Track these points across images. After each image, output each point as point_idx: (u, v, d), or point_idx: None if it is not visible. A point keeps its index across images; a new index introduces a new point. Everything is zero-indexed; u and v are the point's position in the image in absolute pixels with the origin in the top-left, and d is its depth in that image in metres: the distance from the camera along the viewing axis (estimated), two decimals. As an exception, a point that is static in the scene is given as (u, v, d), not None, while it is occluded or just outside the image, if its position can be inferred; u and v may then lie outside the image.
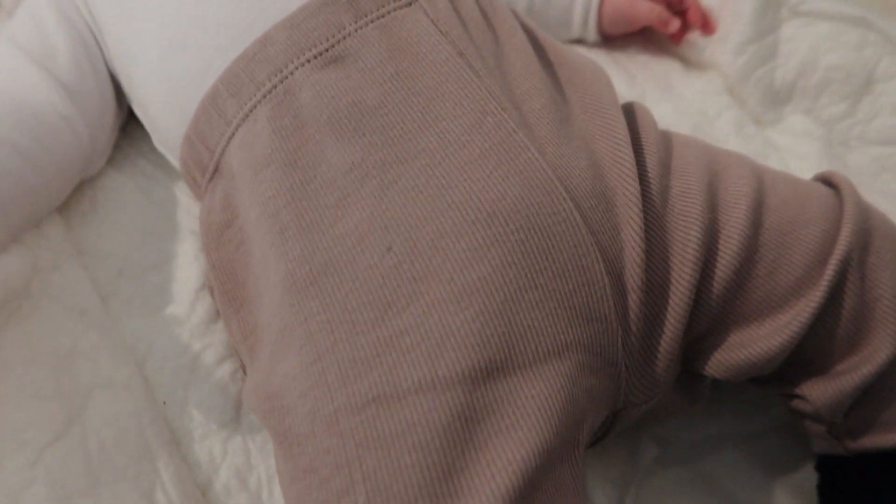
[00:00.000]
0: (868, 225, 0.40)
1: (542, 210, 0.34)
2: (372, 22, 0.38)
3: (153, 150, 0.50)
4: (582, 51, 0.62)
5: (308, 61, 0.38)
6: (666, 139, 0.42)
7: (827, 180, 0.43)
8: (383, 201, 0.35)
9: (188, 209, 0.49)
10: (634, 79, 0.60)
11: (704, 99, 0.58)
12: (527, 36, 0.43)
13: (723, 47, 0.58)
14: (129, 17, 0.44)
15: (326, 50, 0.38)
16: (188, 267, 0.46)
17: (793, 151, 0.56)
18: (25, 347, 0.41)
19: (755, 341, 0.38)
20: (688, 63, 0.61)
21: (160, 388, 0.43)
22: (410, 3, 0.39)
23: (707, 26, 0.58)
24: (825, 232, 0.39)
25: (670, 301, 0.37)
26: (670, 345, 0.37)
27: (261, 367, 0.36)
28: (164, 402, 0.43)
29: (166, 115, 0.44)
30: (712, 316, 0.38)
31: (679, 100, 0.58)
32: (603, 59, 0.62)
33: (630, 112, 0.43)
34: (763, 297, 0.38)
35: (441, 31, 0.39)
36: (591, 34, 0.61)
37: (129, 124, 0.51)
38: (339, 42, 0.38)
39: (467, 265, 0.33)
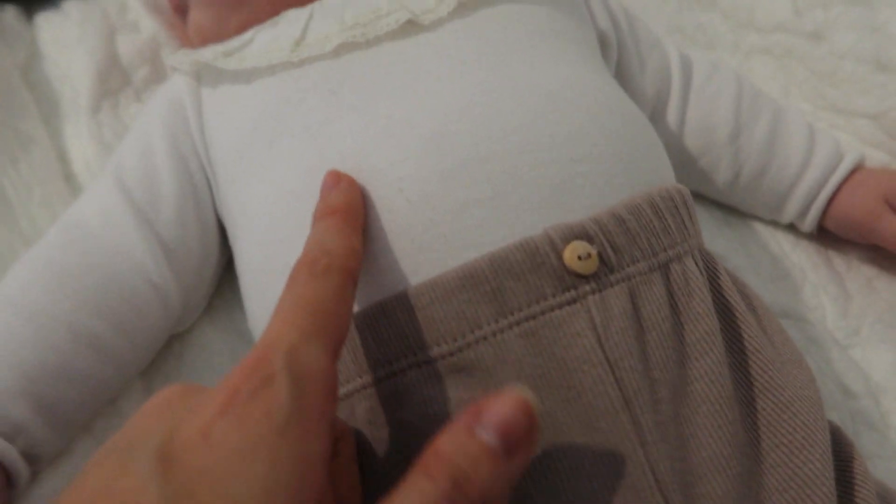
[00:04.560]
0: None
1: None
2: (517, 324, 0.29)
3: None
4: (785, 241, 0.49)
5: (424, 363, 0.29)
6: None
7: None
8: None
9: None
10: (849, 303, 0.46)
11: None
12: (728, 331, 0.31)
13: None
14: (255, 178, 0.37)
15: (451, 354, 0.29)
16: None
17: None
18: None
19: None
20: (929, 292, 0.47)
21: None
22: (574, 301, 0.29)
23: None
24: None
25: None
26: None
27: None
28: None
29: (261, 319, 0.37)
30: None
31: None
32: (812, 259, 0.49)
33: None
34: None
35: (607, 358, 0.29)
36: (807, 227, 0.48)
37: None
38: (469, 346, 0.29)
39: None
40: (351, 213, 0.30)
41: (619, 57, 0.46)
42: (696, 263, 0.33)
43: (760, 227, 0.50)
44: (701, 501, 0.28)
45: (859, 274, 0.48)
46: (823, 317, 0.46)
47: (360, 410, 0.31)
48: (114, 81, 0.51)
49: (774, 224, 0.50)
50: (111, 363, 0.38)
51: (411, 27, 0.37)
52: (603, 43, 0.45)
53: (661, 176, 0.36)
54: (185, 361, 0.43)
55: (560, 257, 0.29)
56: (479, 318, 0.29)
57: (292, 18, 0.40)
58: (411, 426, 0.29)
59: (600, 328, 0.29)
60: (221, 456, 0.20)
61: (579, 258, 0.29)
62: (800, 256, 0.49)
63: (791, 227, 0.49)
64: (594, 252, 0.30)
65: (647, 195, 0.33)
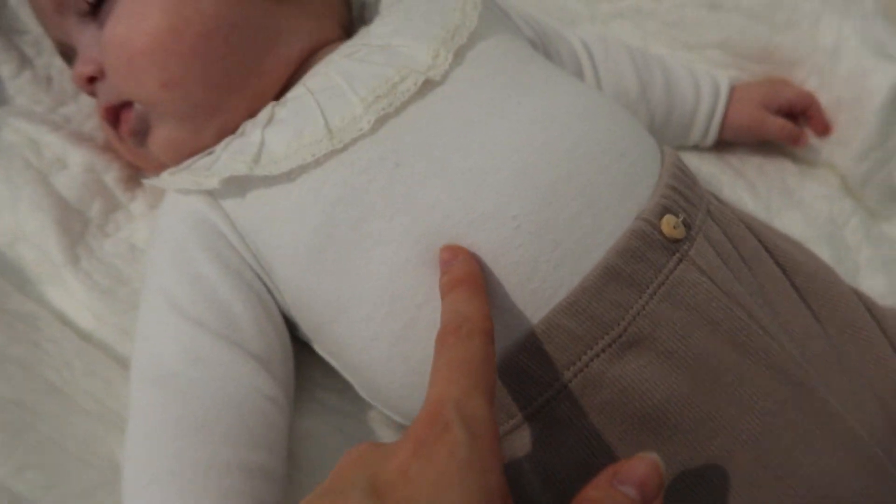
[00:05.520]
0: None
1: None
2: (655, 293, 0.36)
3: (327, 374, 0.46)
4: (692, 157, 0.62)
5: (603, 350, 0.36)
6: None
7: None
8: None
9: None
10: (755, 188, 0.60)
11: (830, 206, 0.59)
12: (769, 255, 0.42)
13: (841, 150, 0.59)
14: (352, 264, 0.39)
15: (620, 336, 0.36)
16: None
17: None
18: None
19: None
20: (798, 160, 0.62)
21: None
22: (682, 259, 0.37)
23: (826, 130, 0.59)
24: None
25: None
26: None
27: None
28: None
29: (390, 384, 0.40)
30: None
31: (804, 208, 0.59)
32: (716, 164, 0.62)
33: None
34: None
35: (721, 290, 0.37)
36: (709, 143, 0.60)
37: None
38: (630, 323, 0.36)
39: None
40: (475, 281, 0.35)
41: (544, 55, 0.54)
42: (714, 199, 0.43)
43: (671, 154, 0.62)
44: (820, 369, 0.39)
45: (751, 164, 0.62)
46: (745, 205, 0.59)
47: (519, 444, 0.37)
48: (75, 225, 0.48)
49: (680, 147, 0.62)
50: (278, 483, 0.39)
51: (427, 85, 0.41)
52: (533, 47, 0.52)
53: (644, 132, 0.45)
54: (301, 457, 0.45)
55: (662, 233, 0.37)
56: (628, 299, 0.36)
57: (294, 112, 0.42)
58: (611, 405, 0.36)
59: (708, 271, 0.37)
60: (421, 488, 0.25)
61: (674, 227, 0.37)
62: (708, 166, 0.61)
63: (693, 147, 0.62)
64: (679, 220, 0.38)
65: (671, 163, 0.42)
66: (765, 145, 0.62)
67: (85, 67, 0.45)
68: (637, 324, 0.36)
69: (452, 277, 0.35)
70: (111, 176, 0.50)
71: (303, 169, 0.40)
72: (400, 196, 0.38)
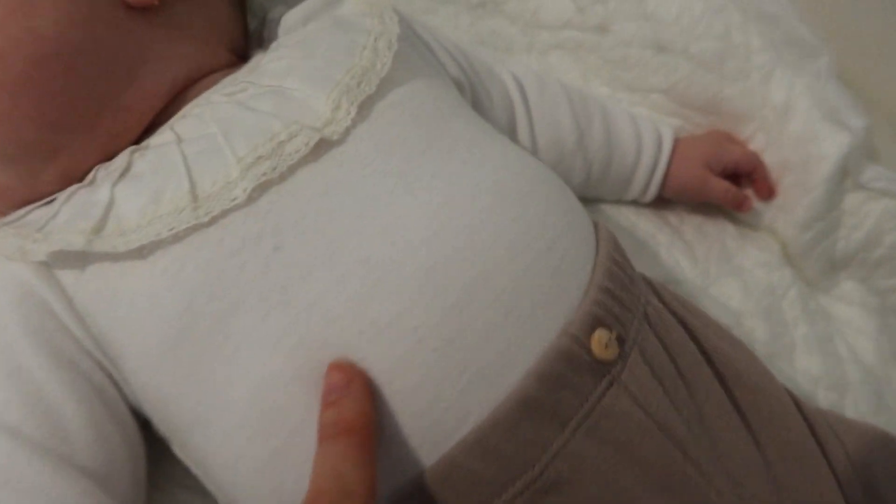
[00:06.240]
0: None
1: None
2: (579, 428, 0.30)
3: (188, 473, 0.38)
4: (630, 213, 0.56)
5: (514, 498, 0.29)
6: None
7: None
8: None
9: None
10: (694, 252, 0.55)
11: (769, 275, 0.55)
12: (708, 364, 0.36)
13: (784, 217, 0.55)
14: (214, 363, 0.32)
15: (535, 480, 0.30)
16: None
17: (851, 325, 0.55)
18: None
19: None
20: (739, 222, 0.58)
21: None
22: (612, 383, 0.32)
23: (770, 194, 0.55)
24: None
25: None
26: None
27: None
28: None
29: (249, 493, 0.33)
30: None
31: (744, 275, 0.55)
32: (654, 221, 0.57)
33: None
34: None
35: (655, 422, 0.32)
36: (647, 200, 0.55)
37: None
38: (548, 465, 0.30)
39: None
40: (368, 433, 0.28)
41: (472, 98, 0.47)
42: (655, 295, 0.37)
43: (606, 207, 0.57)
44: (751, 502, 0.34)
45: (691, 224, 0.57)
46: (683, 270, 0.55)
47: None
48: None
49: (617, 201, 0.57)
50: None
51: (321, 145, 0.33)
52: (459, 89, 0.45)
53: (581, 211, 0.39)
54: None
55: (591, 352, 0.31)
56: (547, 436, 0.30)
57: (154, 167, 0.33)
58: None
59: (640, 399, 0.32)
60: None
61: (605, 346, 0.31)
62: (645, 223, 0.56)
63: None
64: (612, 335, 0.32)
65: (607, 254, 0.35)
66: (705, 203, 0.57)
67: None
68: (556, 465, 0.30)
69: (340, 420, 0.28)
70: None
71: (157, 245, 0.32)
72: (276, 289, 0.31)
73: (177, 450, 0.36)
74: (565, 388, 0.30)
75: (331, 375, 0.29)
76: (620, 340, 0.32)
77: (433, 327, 0.30)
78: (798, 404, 0.41)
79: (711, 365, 0.37)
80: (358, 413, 0.28)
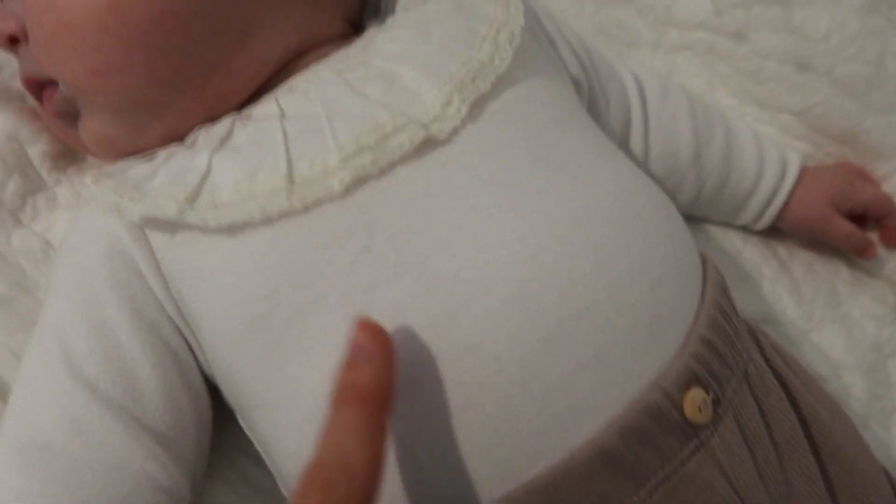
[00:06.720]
0: None
1: None
2: (656, 489, 0.28)
3: (251, 442, 0.38)
4: (736, 239, 0.52)
5: None
6: None
7: None
8: None
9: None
10: (800, 291, 0.51)
11: (879, 329, 0.50)
12: (805, 438, 0.33)
13: (909, 269, 0.50)
14: (290, 354, 0.31)
15: None
16: None
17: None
18: None
19: None
20: (854, 266, 0.53)
21: None
22: (699, 448, 0.29)
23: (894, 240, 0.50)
24: None
25: None
26: None
27: None
28: None
29: None
30: None
31: (851, 325, 0.50)
32: (761, 252, 0.52)
33: None
34: None
35: (741, 497, 0.29)
36: (759, 228, 0.51)
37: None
38: None
39: None
40: (380, 403, 0.25)
41: (588, 98, 0.44)
42: (757, 349, 0.34)
43: (712, 228, 0.53)
44: None
45: (801, 260, 0.52)
46: (784, 308, 0.51)
47: None
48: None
49: (725, 225, 0.53)
50: None
51: (426, 144, 0.32)
52: (577, 89, 0.42)
53: (690, 246, 0.36)
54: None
55: (682, 412, 0.29)
56: (619, 494, 0.28)
57: (254, 140, 0.32)
58: None
59: (728, 469, 0.29)
60: None
61: (699, 409, 0.29)
62: (751, 252, 0.52)
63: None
64: (709, 397, 0.29)
65: (713, 301, 0.33)
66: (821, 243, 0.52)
67: (5, 23, 0.35)
68: None
69: (353, 383, 0.26)
70: (37, 149, 0.41)
71: (247, 223, 0.31)
72: (360, 290, 0.30)
73: (242, 422, 0.36)
74: (648, 445, 0.28)
75: (358, 334, 0.27)
76: (716, 401, 0.30)
77: (517, 360, 0.28)
78: (893, 484, 0.37)
79: (808, 435, 0.34)
80: (373, 379, 0.26)
